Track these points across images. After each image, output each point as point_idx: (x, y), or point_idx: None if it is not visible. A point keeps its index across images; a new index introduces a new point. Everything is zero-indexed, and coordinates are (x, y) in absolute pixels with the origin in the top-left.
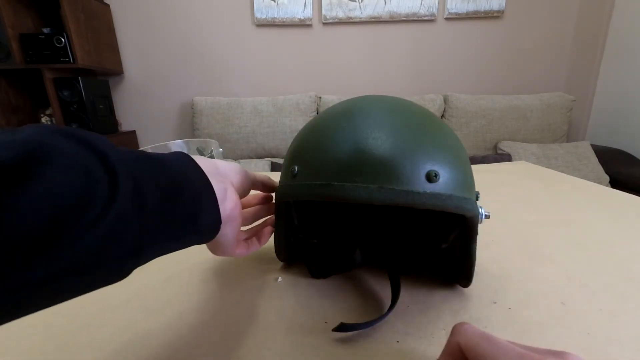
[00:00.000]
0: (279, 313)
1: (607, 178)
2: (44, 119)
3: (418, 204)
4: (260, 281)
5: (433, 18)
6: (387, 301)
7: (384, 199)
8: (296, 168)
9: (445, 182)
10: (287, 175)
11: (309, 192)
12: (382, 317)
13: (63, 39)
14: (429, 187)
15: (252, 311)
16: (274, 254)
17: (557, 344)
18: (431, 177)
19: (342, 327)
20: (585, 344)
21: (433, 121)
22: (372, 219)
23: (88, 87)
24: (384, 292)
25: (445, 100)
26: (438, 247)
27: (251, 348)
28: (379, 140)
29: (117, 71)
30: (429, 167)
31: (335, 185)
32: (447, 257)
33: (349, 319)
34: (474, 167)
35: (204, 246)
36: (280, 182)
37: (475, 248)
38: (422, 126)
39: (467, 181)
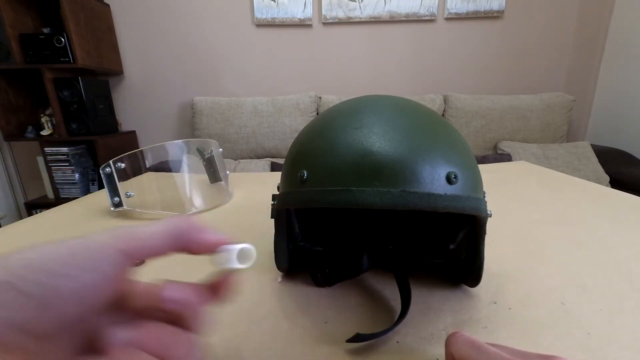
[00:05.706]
0: (279, 313)
1: (607, 178)
2: (43, 119)
3: (440, 207)
4: (260, 281)
5: (433, 18)
6: (388, 299)
7: (407, 204)
8: (305, 173)
9: (462, 183)
10: (293, 180)
11: (324, 198)
12: (395, 324)
13: (63, 39)
14: (450, 190)
15: (252, 311)
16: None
17: (556, 344)
18: (451, 179)
19: (357, 338)
20: (584, 344)
21: (442, 121)
22: (378, 222)
23: (88, 87)
24: (385, 290)
25: (445, 100)
26: (445, 248)
27: (252, 348)
28: (395, 141)
29: (117, 71)
30: (448, 168)
31: (354, 191)
32: (453, 258)
33: (350, 319)
34: None
35: None
36: (283, 188)
37: (484, 247)
38: (433, 126)
39: (479, 181)
